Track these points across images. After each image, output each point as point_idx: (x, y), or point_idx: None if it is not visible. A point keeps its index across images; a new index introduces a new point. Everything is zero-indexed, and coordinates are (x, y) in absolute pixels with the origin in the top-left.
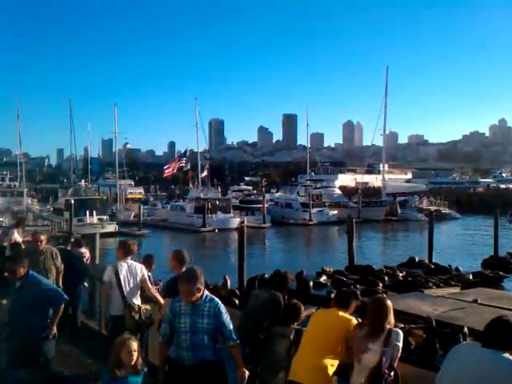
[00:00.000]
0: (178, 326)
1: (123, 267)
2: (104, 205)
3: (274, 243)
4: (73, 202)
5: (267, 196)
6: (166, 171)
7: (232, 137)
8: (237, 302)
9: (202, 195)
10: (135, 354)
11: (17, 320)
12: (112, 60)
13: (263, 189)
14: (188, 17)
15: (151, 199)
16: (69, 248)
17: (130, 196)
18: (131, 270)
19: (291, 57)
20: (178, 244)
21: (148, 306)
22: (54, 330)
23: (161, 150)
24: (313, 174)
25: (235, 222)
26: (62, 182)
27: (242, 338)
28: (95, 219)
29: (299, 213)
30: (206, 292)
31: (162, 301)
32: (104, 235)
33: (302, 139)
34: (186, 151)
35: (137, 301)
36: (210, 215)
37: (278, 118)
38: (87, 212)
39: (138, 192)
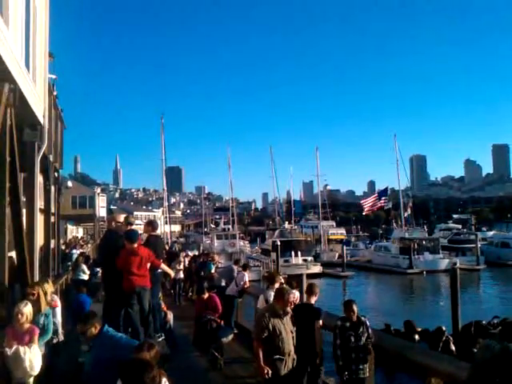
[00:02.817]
0: None
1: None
2: (308, 246)
3: (489, 287)
4: (279, 243)
5: (479, 235)
6: (366, 207)
7: (435, 172)
8: (453, 349)
9: (406, 235)
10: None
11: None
12: (312, 104)
13: (473, 227)
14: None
15: (353, 240)
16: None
17: (332, 237)
18: None
19: (498, 81)
20: (382, 286)
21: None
22: None
23: (360, 189)
24: None
25: (444, 263)
26: (267, 224)
27: None
28: (300, 260)
29: None
30: None
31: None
32: (309, 276)
33: None
34: (386, 189)
35: None
36: (416, 256)
37: (486, 149)
38: (292, 253)
39: (340, 233)
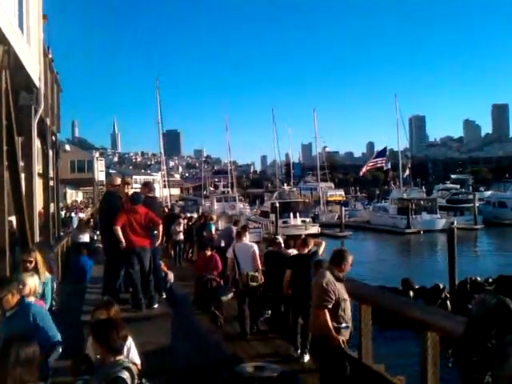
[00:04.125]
0: None
1: (238, 247)
2: (306, 207)
3: (486, 246)
4: (278, 205)
5: (477, 195)
6: (363, 169)
7: (434, 133)
8: (449, 305)
9: (405, 195)
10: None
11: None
12: (311, 65)
13: (471, 187)
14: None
15: (351, 201)
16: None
17: (330, 198)
18: (245, 248)
19: (498, 40)
20: (380, 246)
21: (256, 274)
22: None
23: (359, 151)
24: None
25: (442, 223)
26: (266, 186)
27: (467, 345)
28: (299, 221)
29: None
30: None
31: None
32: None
33: None
34: (384, 150)
35: (249, 269)
36: (414, 216)
37: (486, 109)
38: (291, 214)
39: (339, 194)
